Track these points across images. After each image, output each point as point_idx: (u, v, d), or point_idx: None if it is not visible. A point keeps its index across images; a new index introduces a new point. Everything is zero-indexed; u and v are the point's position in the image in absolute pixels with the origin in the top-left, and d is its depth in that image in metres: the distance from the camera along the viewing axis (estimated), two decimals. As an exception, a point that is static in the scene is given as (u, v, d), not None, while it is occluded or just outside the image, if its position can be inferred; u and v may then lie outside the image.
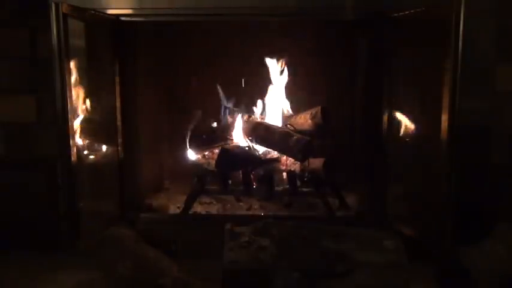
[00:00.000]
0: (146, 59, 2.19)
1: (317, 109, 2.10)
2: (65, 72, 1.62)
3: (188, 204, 2.06)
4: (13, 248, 1.87)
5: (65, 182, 1.70)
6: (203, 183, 2.11)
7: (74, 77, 1.73)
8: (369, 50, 2.08)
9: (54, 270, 1.76)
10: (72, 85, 1.70)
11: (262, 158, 2.17)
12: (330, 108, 2.11)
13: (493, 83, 1.78)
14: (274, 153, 2.17)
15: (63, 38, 1.61)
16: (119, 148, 2.01)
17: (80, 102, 1.82)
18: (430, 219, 1.73)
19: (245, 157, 2.11)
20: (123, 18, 1.87)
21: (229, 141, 2.19)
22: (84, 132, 1.83)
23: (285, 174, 2.15)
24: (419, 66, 1.82)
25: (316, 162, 2.08)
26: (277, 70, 2.22)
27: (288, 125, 2.20)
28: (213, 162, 2.08)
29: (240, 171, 2.12)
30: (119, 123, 2.00)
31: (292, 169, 2.14)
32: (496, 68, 1.77)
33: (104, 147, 1.97)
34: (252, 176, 2.11)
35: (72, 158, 1.68)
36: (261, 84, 2.25)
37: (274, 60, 2.21)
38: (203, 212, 2.10)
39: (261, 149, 2.17)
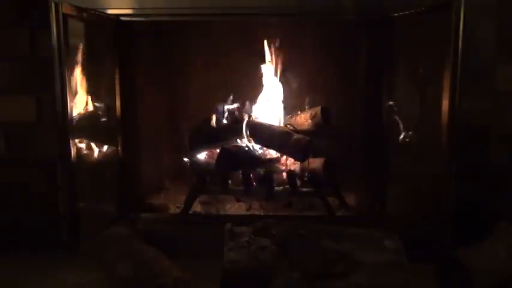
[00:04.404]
0: (146, 59, 2.19)
1: (317, 109, 2.10)
2: (65, 72, 1.62)
3: (188, 204, 2.07)
4: (13, 248, 1.86)
5: (64, 182, 1.70)
6: (203, 183, 2.11)
7: (74, 77, 1.73)
8: (369, 50, 2.08)
9: (54, 270, 1.76)
10: (72, 85, 1.70)
11: (262, 158, 2.17)
12: (330, 108, 2.11)
13: (493, 83, 1.78)
14: (274, 153, 2.17)
15: (63, 38, 1.60)
16: (119, 148, 2.01)
17: (80, 102, 1.81)
18: (430, 219, 1.72)
19: (245, 157, 2.11)
20: (123, 18, 1.87)
21: (229, 141, 2.19)
22: (84, 132, 1.82)
23: (285, 174, 2.15)
24: (419, 66, 1.81)
25: (316, 162, 2.08)
26: (277, 70, 2.23)
27: (288, 125, 2.20)
28: (213, 162, 2.08)
29: (240, 171, 2.12)
30: (118, 123, 2.00)
31: (292, 169, 2.14)
32: (496, 68, 1.77)
33: (104, 147, 1.97)
34: (252, 176, 2.11)
35: (72, 158, 1.68)
36: (261, 84, 2.25)
37: (274, 60, 2.21)
38: (203, 212, 2.10)
39: (261, 149, 2.17)
